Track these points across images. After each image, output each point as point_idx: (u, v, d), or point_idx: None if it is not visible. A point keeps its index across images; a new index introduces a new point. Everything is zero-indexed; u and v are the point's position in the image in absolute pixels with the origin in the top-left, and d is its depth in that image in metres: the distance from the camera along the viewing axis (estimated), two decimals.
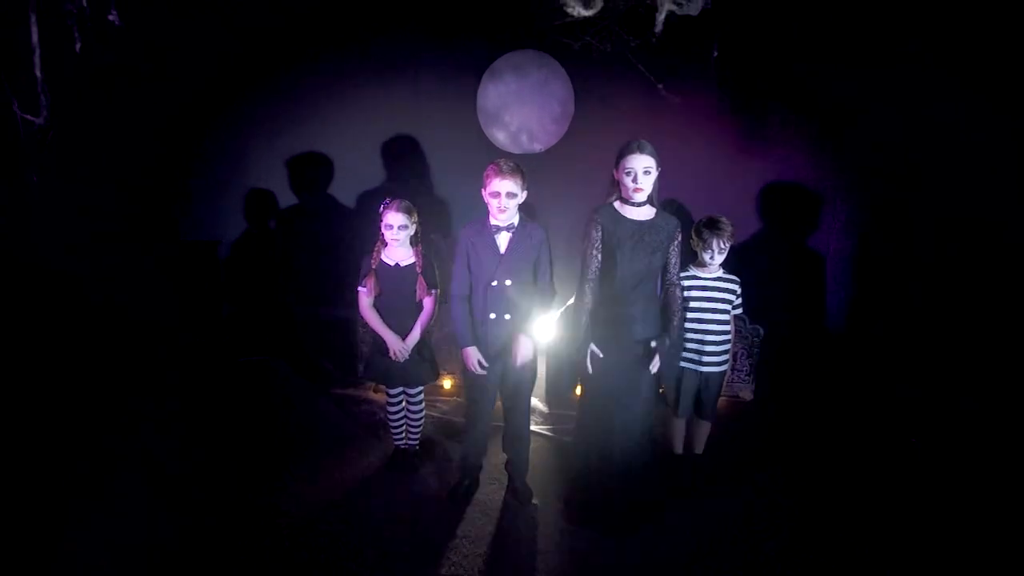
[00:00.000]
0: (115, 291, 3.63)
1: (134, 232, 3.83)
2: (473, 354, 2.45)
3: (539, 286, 2.50)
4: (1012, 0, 3.12)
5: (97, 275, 3.56)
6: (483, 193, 2.39)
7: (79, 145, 3.29)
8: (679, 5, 2.88)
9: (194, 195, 4.13)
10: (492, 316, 2.42)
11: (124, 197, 3.72)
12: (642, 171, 2.26)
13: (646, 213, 2.37)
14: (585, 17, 3.15)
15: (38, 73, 2.70)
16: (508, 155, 3.85)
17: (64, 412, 3.19)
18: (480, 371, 2.47)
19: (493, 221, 2.41)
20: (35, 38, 2.68)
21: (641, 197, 2.31)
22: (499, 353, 2.48)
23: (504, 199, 2.33)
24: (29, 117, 2.74)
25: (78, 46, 2.71)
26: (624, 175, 2.29)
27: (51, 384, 3.29)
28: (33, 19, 2.65)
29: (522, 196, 2.40)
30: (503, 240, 2.41)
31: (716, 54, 3.29)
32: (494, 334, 2.44)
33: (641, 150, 2.26)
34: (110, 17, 2.84)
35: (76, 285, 3.51)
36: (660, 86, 3.49)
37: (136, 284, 3.72)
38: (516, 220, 2.43)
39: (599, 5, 3.10)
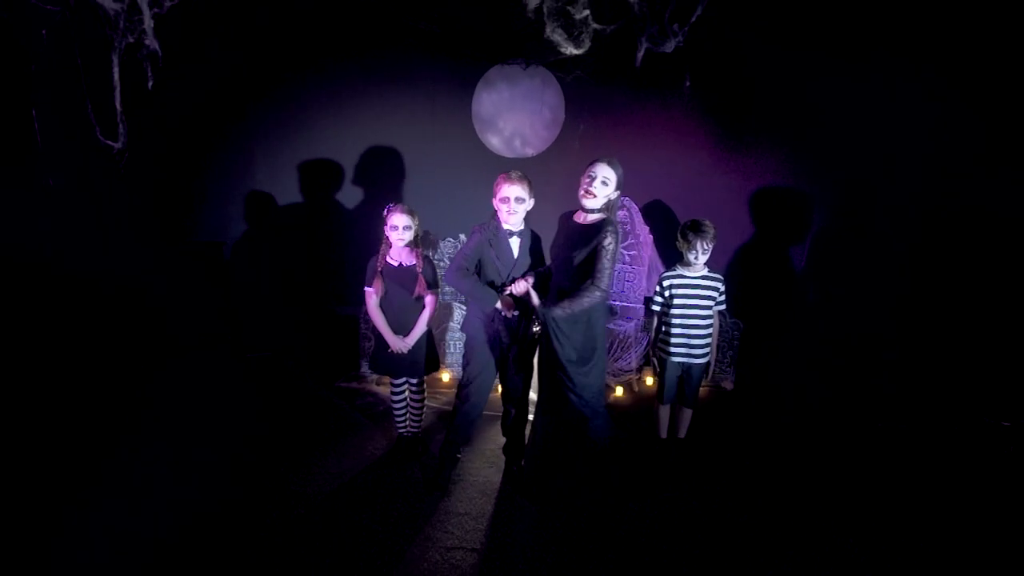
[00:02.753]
0: (125, 290, 3.78)
1: (144, 233, 3.98)
2: (506, 298, 2.52)
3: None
4: (968, 10, 3.35)
5: (108, 275, 3.71)
6: (494, 201, 2.53)
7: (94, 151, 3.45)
8: (655, 44, 3.25)
9: (201, 198, 4.23)
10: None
11: (134, 199, 3.87)
12: (600, 180, 2.33)
13: (592, 219, 2.42)
14: (575, 55, 3.53)
15: (118, 106, 3.12)
16: (502, 160, 4.05)
17: (77, 407, 3.34)
18: (513, 313, 2.55)
19: (505, 226, 2.53)
20: (116, 76, 3.15)
21: (591, 203, 2.36)
22: (512, 344, 2.62)
23: (513, 203, 2.45)
24: (109, 143, 3.14)
25: (151, 84, 3.12)
26: (585, 177, 2.38)
27: (66, 380, 3.45)
28: (115, 60, 3.14)
29: (530, 203, 2.52)
30: (516, 244, 2.55)
31: (688, 83, 3.63)
32: (509, 328, 2.58)
33: (608, 163, 2.36)
34: (147, 41, 3.18)
35: (90, 284, 3.64)
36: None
37: (146, 283, 3.85)
38: (524, 227, 2.58)
39: (587, 44, 3.49)
